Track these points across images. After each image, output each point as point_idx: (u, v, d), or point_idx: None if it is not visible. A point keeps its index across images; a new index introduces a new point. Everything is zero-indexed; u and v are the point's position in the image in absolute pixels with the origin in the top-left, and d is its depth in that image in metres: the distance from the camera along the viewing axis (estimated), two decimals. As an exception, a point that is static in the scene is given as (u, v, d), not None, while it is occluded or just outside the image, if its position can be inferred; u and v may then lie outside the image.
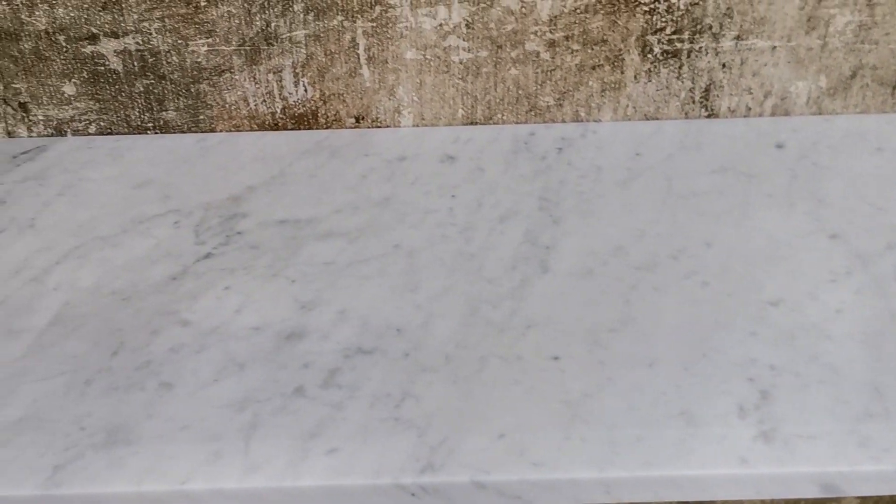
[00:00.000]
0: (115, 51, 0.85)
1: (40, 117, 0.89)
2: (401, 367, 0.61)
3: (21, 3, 0.82)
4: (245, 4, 0.83)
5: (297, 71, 0.87)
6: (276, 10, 0.83)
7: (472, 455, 0.54)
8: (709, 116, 0.90)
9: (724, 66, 0.87)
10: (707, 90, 0.88)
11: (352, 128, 0.90)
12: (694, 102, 0.89)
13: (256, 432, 0.56)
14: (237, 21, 0.84)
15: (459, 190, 0.80)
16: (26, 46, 0.85)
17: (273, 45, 0.85)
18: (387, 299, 0.67)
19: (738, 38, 0.85)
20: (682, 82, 0.88)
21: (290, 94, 0.88)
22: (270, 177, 0.82)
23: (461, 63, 0.87)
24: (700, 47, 0.86)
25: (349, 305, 0.66)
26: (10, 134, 0.90)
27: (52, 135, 0.90)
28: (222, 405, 0.58)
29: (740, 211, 0.76)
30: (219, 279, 0.69)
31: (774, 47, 0.86)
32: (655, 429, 0.56)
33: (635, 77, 0.88)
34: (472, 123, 0.90)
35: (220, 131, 0.90)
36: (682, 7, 0.84)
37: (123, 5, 0.83)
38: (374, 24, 0.84)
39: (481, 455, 0.54)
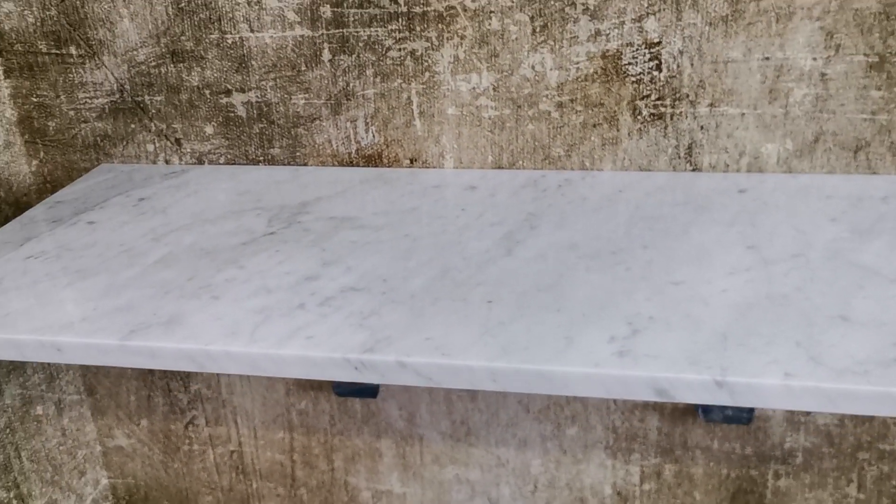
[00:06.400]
0: (241, 102, 1.17)
1: (188, 150, 1.22)
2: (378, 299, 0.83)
3: (184, 66, 1.17)
4: (332, 69, 1.13)
5: (367, 120, 1.15)
6: (353, 73, 1.13)
7: (404, 347, 0.75)
8: (693, 170, 1.08)
9: (702, 127, 1.06)
10: (690, 148, 1.07)
11: (407, 167, 1.16)
12: (680, 157, 1.08)
13: (264, 324, 0.80)
14: (326, 81, 1.14)
15: (470, 206, 1.03)
16: (184, 97, 1.19)
17: (351, 100, 1.14)
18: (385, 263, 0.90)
19: (711, 105, 1.05)
20: (669, 140, 1.08)
21: (362, 138, 1.16)
22: (335, 193, 1.09)
23: (489, 119, 1.11)
24: (680, 112, 1.06)
25: (356, 265, 0.90)
26: (167, 161, 1.24)
27: (195, 163, 1.23)
28: (248, 310, 0.83)
29: (683, 228, 0.93)
30: (273, 246, 0.96)
31: (743, 114, 1.04)
32: (541, 344, 0.74)
33: (629, 134, 1.08)
34: (499, 168, 1.14)
35: (311, 165, 1.19)
36: (662, 79, 1.05)
37: (250, 69, 1.15)
38: (425, 86, 1.11)
39: (410, 348, 0.75)
